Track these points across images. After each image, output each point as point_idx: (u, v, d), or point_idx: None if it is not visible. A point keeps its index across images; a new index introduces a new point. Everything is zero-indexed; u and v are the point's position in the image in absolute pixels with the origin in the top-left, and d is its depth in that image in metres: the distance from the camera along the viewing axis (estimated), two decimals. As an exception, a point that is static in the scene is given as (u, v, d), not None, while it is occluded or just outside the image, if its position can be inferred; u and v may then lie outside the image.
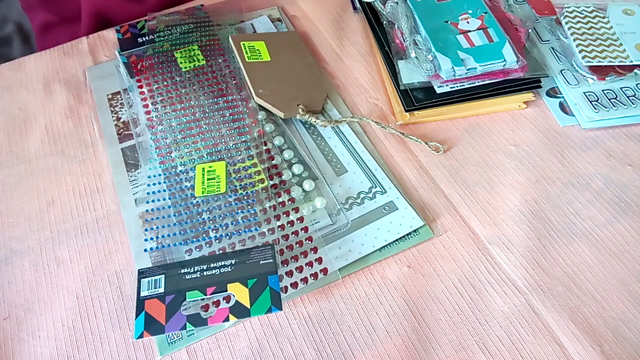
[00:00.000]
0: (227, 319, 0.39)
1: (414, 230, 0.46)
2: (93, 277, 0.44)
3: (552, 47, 0.59)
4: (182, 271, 0.41)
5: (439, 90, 0.52)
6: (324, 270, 0.43)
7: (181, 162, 0.49)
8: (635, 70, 0.54)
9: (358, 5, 0.65)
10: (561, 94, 0.55)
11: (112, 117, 0.55)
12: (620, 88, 0.54)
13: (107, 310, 0.42)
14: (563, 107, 0.54)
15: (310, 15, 0.65)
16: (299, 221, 0.46)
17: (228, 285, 0.41)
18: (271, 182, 0.48)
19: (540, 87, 0.54)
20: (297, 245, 0.44)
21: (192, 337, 0.41)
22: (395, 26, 0.56)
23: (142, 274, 0.41)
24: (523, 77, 0.53)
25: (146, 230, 0.46)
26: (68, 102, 0.57)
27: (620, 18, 0.59)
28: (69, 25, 0.64)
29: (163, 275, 0.41)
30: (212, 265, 0.42)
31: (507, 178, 0.49)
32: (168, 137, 0.51)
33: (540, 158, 0.50)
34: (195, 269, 0.41)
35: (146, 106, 0.54)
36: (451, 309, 0.42)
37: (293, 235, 0.45)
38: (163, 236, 0.45)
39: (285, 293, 0.42)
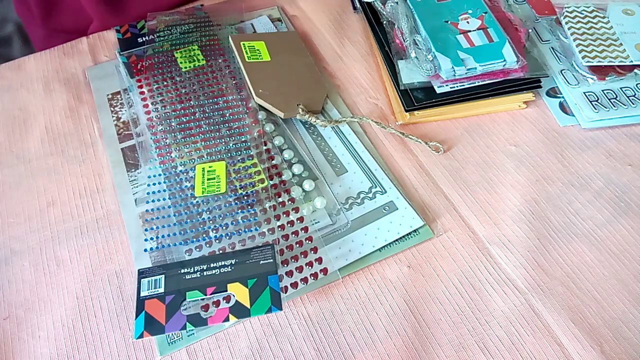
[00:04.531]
0: (227, 319, 0.39)
1: (414, 230, 0.46)
2: (93, 277, 0.44)
3: (552, 47, 0.59)
4: (182, 271, 0.41)
5: (439, 90, 0.52)
6: (324, 270, 0.43)
7: (181, 162, 0.49)
8: (635, 70, 0.54)
9: (358, 5, 0.65)
10: (561, 94, 0.55)
11: (112, 117, 0.55)
12: (620, 88, 0.54)
13: (107, 310, 0.42)
14: (563, 107, 0.54)
15: (310, 15, 0.65)
16: (299, 221, 0.46)
17: (228, 285, 0.41)
18: (271, 182, 0.48)
19: (540, 87, 0.54)
20: (297, 245, 0.44)
21: (192, 337, 0.41)
22: (395, 26, 0.56)
23: (142, 274, 0.41)
24: (523, 77, 0.53)
25: (146, 230, 0.46)
26: (68, 102, 0.57)
27: (620, 18, 0.59)
28: (68, 36, 0.64)
29: (163, 275, 0.41)
30: (212, 265, 0.42)
31: (507, 178, 0.49)
32: (168, 137, 0.51)
33: (540, 158, 0.51)
34: (195, 269, 0.41)
35: (146, 106, 0.54)
36: (451, 309, 0.42)
37: (293, 235, 0.45)
38: (163, 236, 0.45)
39: (285, 293, 0.42)
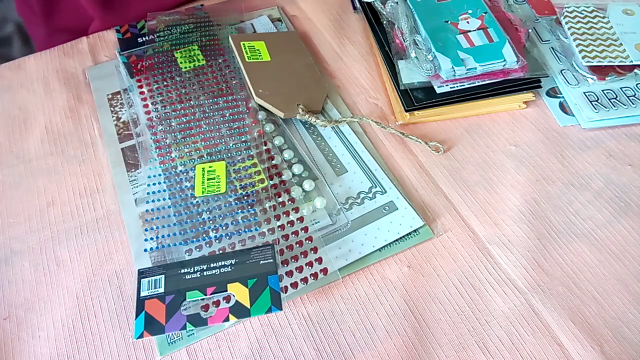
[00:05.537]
0: (227, 319, 0.39)
1: (414, 230, 0.46)
2: (93, 277, 0.44)
3: (552, 47, 0.59)
4: (182, 271, 0.41)
5: (439, 90, 0.52)
6: (324, 270, 0.43)
7: (181, 162, 0.49)
8: (635, 70, 0.54)
9: (358, 5, 0.65)
10: (561, 94, 0.55)
11: (112, 117, 0.55)
12: (620, 88, 0.54)
13: (107, 310, 0.42)
14: (563, 107, 0.54)
15: (310, 15, 0.65)
16: (299, 221, 0.46)
17: (228, 285, 0.41)
18: (271, 182, 0.48)
19: (540, 87, 0.54)
20: (297, 245, 0.44)
21: (192, 337, 0.41)
22: (395, 26, 0.56)
23: (142, 274, 0.41)
24: (523, 77, 0.53)
25: (146, 230, 0.46)
26: (68, 102, 0.57)
27: (620, 18, 0.59)
28: (69, 36, 0.64)
29: (163, 275, 0.41)
30: (212, 265, 0.42)
31: (507, 178, 0.49)
32: (168, 137, 0.51)
33: (540, 158, 0.51)
34: (195, 269, 0.41)
35: (146, 106, 0.54)
36: (451, 309, 0.42)
37: (293, 235, 0.45)
38: (163, 236, 0.45)
39: (285, 293, 0.42)
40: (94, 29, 0.65)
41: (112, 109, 0.56)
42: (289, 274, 0.43)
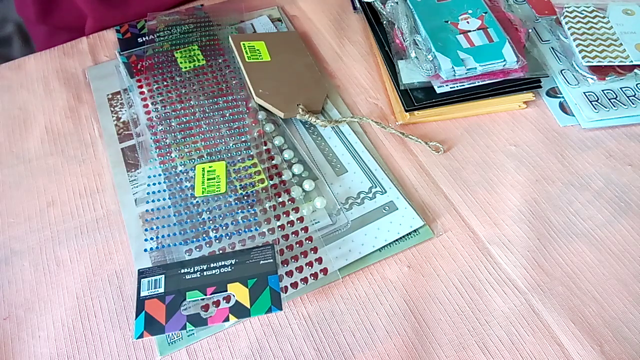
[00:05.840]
0: (227, 319, 0.39)
1: (414, 230, 0.46)
2: (93, 277, 0.44)
3: (552, 47, 0.59)
4: (182, 271, 0.41)
5: (439, 90, 0.52)
6: (324, 270, 0.43)
7: (181, 162, 0.49)
8: (635, 70, 0.54)
9: (358, 5, 0.65)
10: (561, 94, 0.55)
11: (112, 117, 0.55)
12: (620, 88, 0.54)
13: (107, 310, 0.42)
14: (563, 107, 0.54)
15: (310, 15, 0.65)
16: (299, 221, 0.46)
17: (228, 285, 0.41)
18: (271, 182, 0.48)
19: (540, 87, 0.54)
20: (297, 245, 0.44)
21: (192, 337, 0.41)
22: (395, 26, 0.56)
23: (142, 274, 0.41)
24: (523, 77, 0.53)
25: (146, 230, 0.46)
26: (68, 102, 0.57)
27: (620, 18, 0.59)
28: (69, 34, 0.64)
29: (163, 275, 0.41)
30: (212, 265, 0.42)
31: (507, 178, 0.49)
32: (168, 137, 0.51)
33: (540, 158, 0.51)
34: (195, 269, 0.41)
35: (146, 106, 0.54)
36: (451, 309, 0.42)
37: (293, 235, 0.45)
38: (163, 236, 0.45)
39: (285, 293, 0.42)
40: (89, 27, 0.65)
41: (112, 109, 0.56)
42: (289, 274, 0.43)
